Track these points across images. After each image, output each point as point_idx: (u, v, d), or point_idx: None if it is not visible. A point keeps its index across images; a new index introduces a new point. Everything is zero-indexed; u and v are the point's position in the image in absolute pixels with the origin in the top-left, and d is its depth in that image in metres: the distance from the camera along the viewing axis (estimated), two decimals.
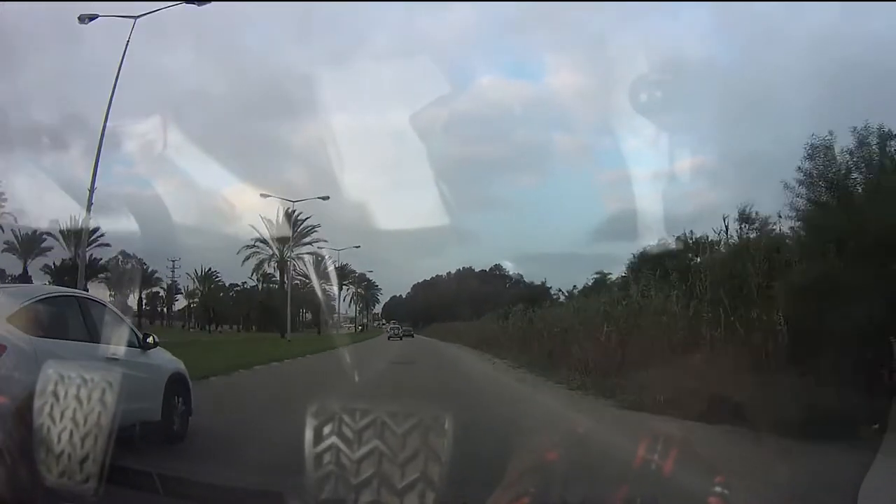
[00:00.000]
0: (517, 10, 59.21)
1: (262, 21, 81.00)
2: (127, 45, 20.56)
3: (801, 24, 52.63)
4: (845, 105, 33.90)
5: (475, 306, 63.16)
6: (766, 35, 55.13)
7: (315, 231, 64.97)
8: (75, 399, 2.98)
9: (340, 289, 74.73)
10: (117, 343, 6.48)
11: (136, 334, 7.14)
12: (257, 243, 64.27)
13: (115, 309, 7.33)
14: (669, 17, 62.07)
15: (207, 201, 75.09)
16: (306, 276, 70.93)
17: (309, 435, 2.61)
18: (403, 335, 67.87)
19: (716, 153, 59.24)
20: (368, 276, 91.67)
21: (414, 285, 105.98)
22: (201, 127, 74.92)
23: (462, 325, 52.62)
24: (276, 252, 64.44)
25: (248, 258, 65.29)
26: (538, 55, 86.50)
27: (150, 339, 7.20)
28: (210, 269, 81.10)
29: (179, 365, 7.75)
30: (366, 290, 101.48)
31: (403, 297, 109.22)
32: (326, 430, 2.61)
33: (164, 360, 7.56)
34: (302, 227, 63.68)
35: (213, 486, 4.02)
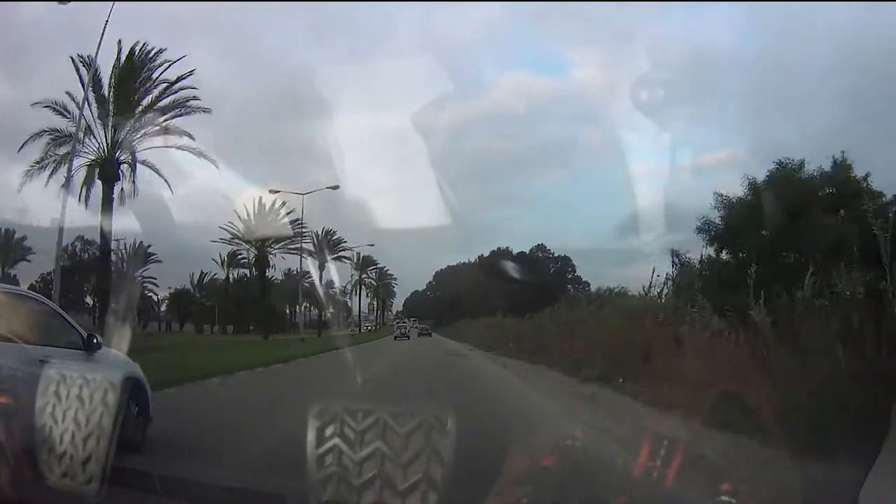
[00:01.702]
0: (539, 5, 58.12)
1: (278, 20, 79.53)
2: None
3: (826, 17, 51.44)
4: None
5: (517, 296, 49.03)
6: (794, 26, 54.19)
7: (193, 97, 29.61)
8: None
9: (322, 268, 57.09)
10: (54, 344, 5.91)
11: (79, 334, 6.42)
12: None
13: (54, 306, 6.62)
14: (690, 9, 60.97)
15: (211, 199, 71.05)
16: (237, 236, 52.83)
17: (311, 436, 2.61)
18: (420, 333, 60.80)
19: (743, 145, 58.11)
20: (373, 257, 76.99)
21: (436, 272, 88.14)
22: (209, 124, 74.39)
23: (517, 325, 29.29)
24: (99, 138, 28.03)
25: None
26: (562, 50, 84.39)
27: (94, 340, 6.43)
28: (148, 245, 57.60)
29: (133, 369, 6.92)
30: (378, 279, 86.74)
31: (426, 290, 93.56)
32: (328, 431, 2.61)
33: (114, 363, 6.67)
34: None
35: (214, 487, 4.01)
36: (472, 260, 77.49)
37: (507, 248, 72.60)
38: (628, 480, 4.41)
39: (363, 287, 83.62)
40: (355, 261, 75.72)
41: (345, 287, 76.60)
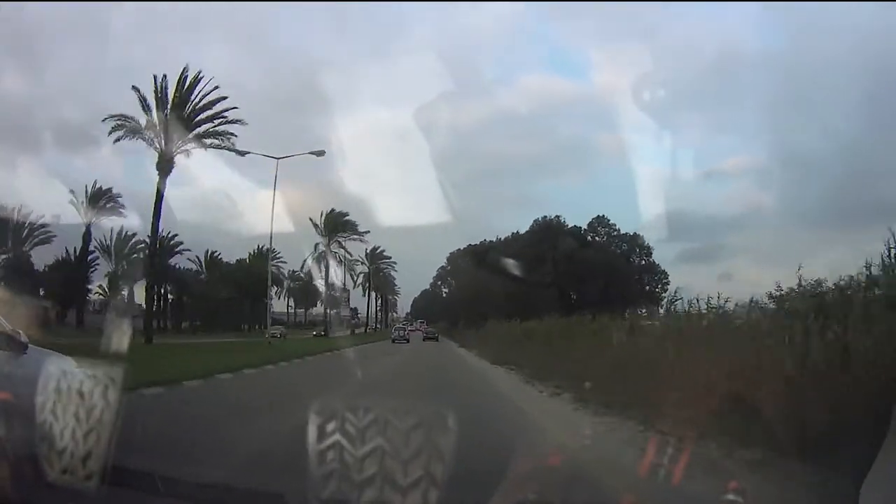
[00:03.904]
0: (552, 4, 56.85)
1: (296, 17, 78.42)
2: None
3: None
4: None
5: (581, 287, 35.41)
6: (815, 27, 53.30)
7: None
8: None
9: (164, 169, 31.50)
10: None
11: (4, 332, 5.30)
12: None
13: None
14: (710, 9, 58.92)
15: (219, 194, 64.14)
16: None
17: (312, 432, 2.60)
18: (426, 337, 51.89)
19: (764, 152, 55.72)
20: (353, 221, 55.86)
21: (451, 255, 64.12)
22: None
23: None
24: None
25: None
26: (580, 49, 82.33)
27: (20, 338, 5.30)
28: None
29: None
30: (370, 261, 65.33)
31: (437, 280, 72.23)
32: (330, 427, 2.61)
33: (48, 368, 4.61)
34: None
35: (214, 487, 4.00)
36: (503, 237, 54.43)
37: (556, 217, 50.05)
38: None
39: (340, 270, 59.31)
40: (321, 222, 55.13)
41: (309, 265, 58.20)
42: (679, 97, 59.09)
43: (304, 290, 69.42)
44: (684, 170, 56.82)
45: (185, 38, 71.04)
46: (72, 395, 2.97)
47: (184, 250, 57.01)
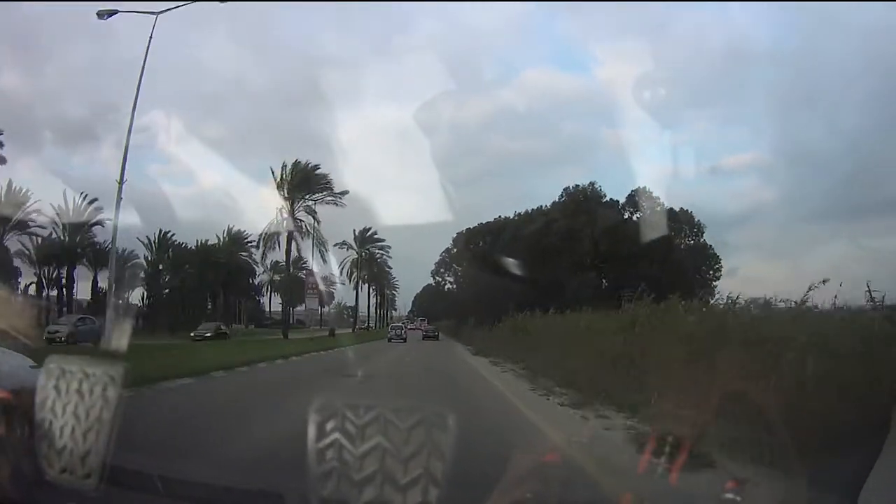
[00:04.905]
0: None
1: (299, 14, 78.07)
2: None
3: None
4: None
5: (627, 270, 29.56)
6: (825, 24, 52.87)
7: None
8: None
9: None
10: None
11: None
12: None
13: None
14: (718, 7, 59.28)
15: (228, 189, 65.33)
16: None
17: (311, 430, 2.61)
18: (426, 335, 48.52)
19: (768, 148, 56.19)
20: (325, 173, 44.09)
21: (458, 235, 51.63)
22: (226, 117, 73.92)
23: None
24: None
25: None
26: (586, 46, 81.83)
27: None
28: None
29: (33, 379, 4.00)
30: (360, 243, 55.18)
31: (440, 267, 61.01)
32: (329, 425, 2.61)
33: (7, 366, 4.59)
34: None
35: (214, 487, 3.99)
36: (527, 211, 44.62)
37: (591, 184, 42.25)
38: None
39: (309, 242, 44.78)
40: (281, 176, 41.92)
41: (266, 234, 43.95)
42: (689, 93, 58.69)
43: (293, 283, 54.50)
44: (691, 166, 57.15)
45: (187, 34, 71.24)
46: None
47: (104, 220, 40.68)
